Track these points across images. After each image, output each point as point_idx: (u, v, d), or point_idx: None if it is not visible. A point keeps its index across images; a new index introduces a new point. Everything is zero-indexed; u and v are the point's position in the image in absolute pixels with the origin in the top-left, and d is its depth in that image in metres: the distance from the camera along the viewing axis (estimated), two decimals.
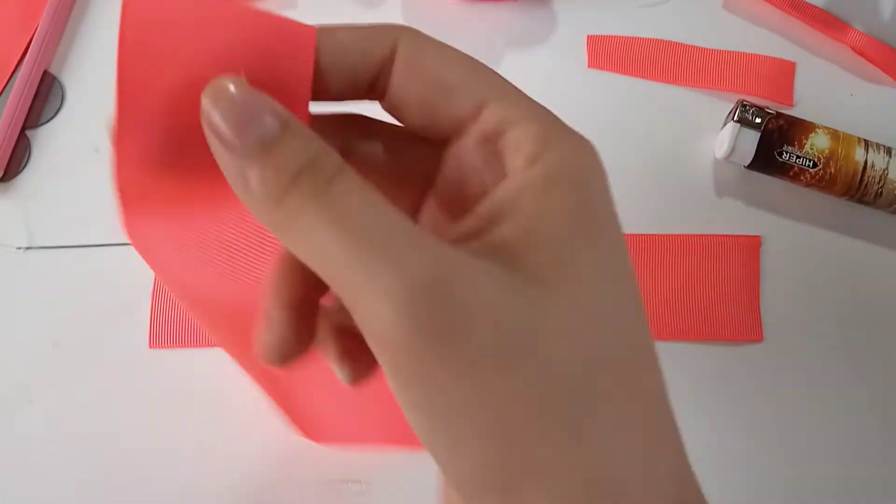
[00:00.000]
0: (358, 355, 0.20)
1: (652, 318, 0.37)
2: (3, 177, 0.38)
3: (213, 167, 0.17)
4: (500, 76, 0.19)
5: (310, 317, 0.20)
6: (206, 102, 0.17)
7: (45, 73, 0.40)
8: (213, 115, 0.17)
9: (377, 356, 0.16)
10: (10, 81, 0.39)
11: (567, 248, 0.17)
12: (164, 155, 0.18)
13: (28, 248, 0.37)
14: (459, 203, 0.20)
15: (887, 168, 0.37)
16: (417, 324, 0.15)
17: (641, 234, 0.38)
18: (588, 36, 0.41)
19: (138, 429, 0.35)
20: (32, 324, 0.36)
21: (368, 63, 0.19)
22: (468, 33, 0.41)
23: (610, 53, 0.41)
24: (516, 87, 0.19)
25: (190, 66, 0.17)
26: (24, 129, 0.39)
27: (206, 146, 0.17)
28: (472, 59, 0.19)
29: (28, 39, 0.40)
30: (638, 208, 0.38)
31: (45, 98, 0.40)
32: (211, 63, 0.17)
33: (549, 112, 0.19)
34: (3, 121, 0.38)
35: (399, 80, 0.19)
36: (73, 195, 0.38)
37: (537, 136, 0.18)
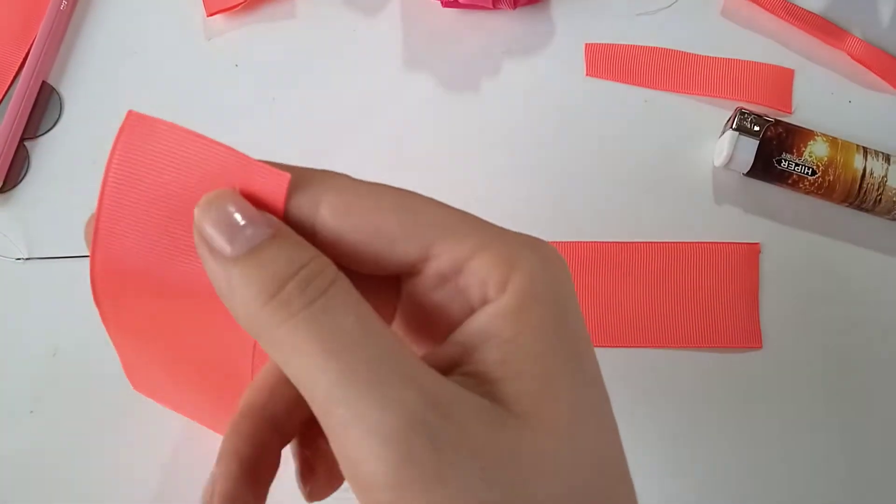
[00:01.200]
0: (323, 473, 0.20)
1: (651, 325, 0.37)
2: (1, 188, 0.38)
3: (194, 281, 0.18)
4: (437, 207, 0.18)
5: (267, 470, 0.19)
6: (197, 212, 0.17)
7: (44, 83, 0.40)
8: (203, 223, 0.17)
9: (355, 490, 0.16)
10: (9, 92, 0.40)
11: (546, 376, 0.17)
12: (142, 264, 0.19)
13: (28, 259, 0.37)
14: (427, 332, 0.19)
15: (886, 175, 0.37)
16: (405, 464, 0.15)
17: (640, 242, 0.38)
18: (586, 44, 0.41)
19: (139, 438, 0.35)
20: (32, 334, 0.37)
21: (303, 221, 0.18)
22: (466, 42, 0.41)
23: (608, 61, 0.41)
24: (460, 214, 0.18)
25: (172, 193, 0.18)
26: (22, 139, 0.39)
27: (181, 262, 0.18)
28: (405, 196, 0.18)
29: (26, 50, 0.40)
30: (636, 216, 0.38)
31: (43, 109, 0.40)
32: (194, 190, 0.18)
33: (502, 231, 0.18)
34: (2, 132, 0.38)
35: (328, 231, 0.18)
36: (73, 205, 0.38)
37: (499, 263, 0.17)
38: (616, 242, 0.38)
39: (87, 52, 0.41)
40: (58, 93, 0.40)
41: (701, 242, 0.38)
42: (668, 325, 0.37)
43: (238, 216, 0.17)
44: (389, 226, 0.18)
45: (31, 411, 0.36)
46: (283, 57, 0.41)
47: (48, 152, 0.39)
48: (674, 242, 0.38)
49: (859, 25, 0.41)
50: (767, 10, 0.41)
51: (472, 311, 0.18)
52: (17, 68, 0.40)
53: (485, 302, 0.17)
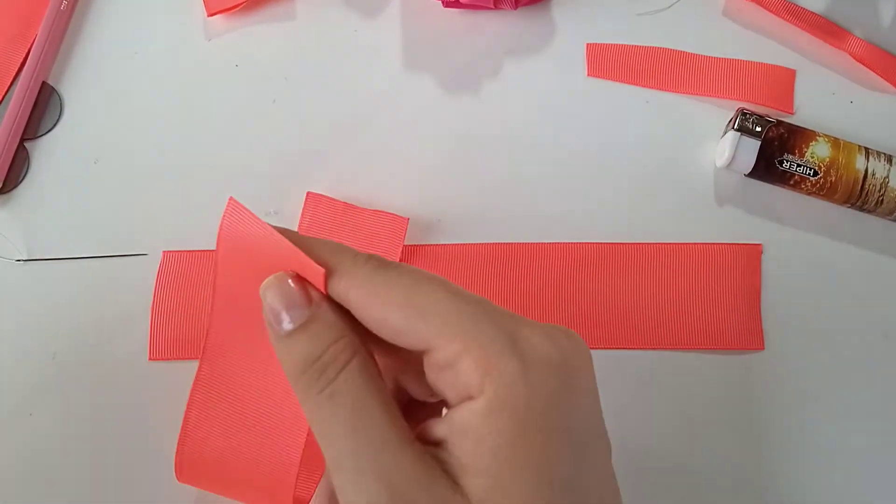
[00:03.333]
0: None
1: (652, 327, 0.37)
2: (1, 188, 0.38)
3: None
4: (440, 302, 0.21)
5: None
6: (263, 287, 0.22)
7: (44, 84, 0.40)
8: (266, 297, 0.21)
9: None
10: (9, 93, 0.39)
11: (502, 478, 0.19)
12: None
13: (27, 261, 0.37)
14: (443, 396, 0.22)
15: (888, 176, 0.37)
16: None
17: (641, 243, 0.38)
18: (587, 44, 0.41)
19: (138, 441, 0.35)
20: (31, 336, 0.36)
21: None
22: (467, 42, 0.41)
23: (609, 62, 0.41)
24: (458, 310, 0.21)
25: (249, 274, 0.22)
26: (22, 140, 0.39)
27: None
28: (415, 290, 0.21)
29: (26, 50, 0.40)
30: (638, 217, 0.38)
31: (43, 109, 0.39)
32: (261, 271, 0.22)
33: (495, 332, 0.20)
34: (2, 132, 0.38)
35: (356, 313, 0.22)
36: (73, 207, 0.38)
37: (477, 367, 0.20)
38: (617, 243, 0.38)
39: (87, 52, 0.41)
40: (58, 93, 0.40)
41: (702, 243, 0.38)
42: (670, 326, 0.37)
43: (290, 295, 0.21)
44: (396, 320, 0.21)
45: (31, 413, 0.35)
46: (283, 57, 0.41)
47: (48, 153, 0.39)
48: (675, 243, 0.38)
49: (861, 25, 0.41)
50: (769, 10, 0.41)
51: (462, 400, 0.20)
52: (17, 69, 0.40)
53: (469, 398, 0.20)
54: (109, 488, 0.35)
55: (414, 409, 0.25)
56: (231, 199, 0.22)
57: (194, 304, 0.37)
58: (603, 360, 0.37)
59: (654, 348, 0.37)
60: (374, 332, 0.21)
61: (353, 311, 0.21)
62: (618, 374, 0.36)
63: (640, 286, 0.37)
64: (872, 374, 0.37)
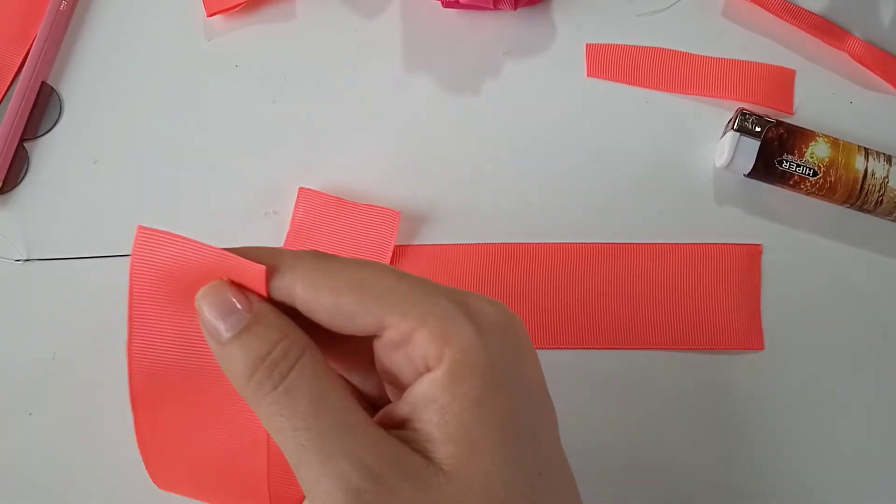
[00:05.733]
0: None
1: (652, 327, 0.37)
2: (1, 188, 0.38)
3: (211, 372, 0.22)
4: (390, 281, 0.21)
5: None
6: (196, 302, 0.21)
7: (43, 84, 0.40)
8: (202, 310, 0.21)
9: None
10: (8, 93, 0.39)
11: (471, 441, 0.20)
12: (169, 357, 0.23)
13: (27, 261, 0.37)
14: (396, 382, 0.22)
15: (888, 176, 0.37)
16: None
17: (641, 244, 0.38)
18: (587, 44, 0.41)
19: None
20: (31, 336, 0.36)
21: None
22: (466, 43, 0.41)
23: (609, 62, 0.41)
24: (409, 287, 0.21)
25: (179, 293, 0.22)
26: (22, 140, 0.39)
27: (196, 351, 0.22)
28: (363, 273, 0.21)
29: (25, 50, 0.40)
30: (637, 217, 0.38)
31: (43, 109, 0.39)
32: (196, 287, 0.21)
33: (447, 303, 0.21)
34: (1, 132, 0.38)
35: (304, 307, 0.21)
36: (72, 207, 0.38)
37: (434, 337, 0.20)
38: (616, 244, 0.38)
39: (87, 52, 0.41)
40: (57, 93, 0.40)
41: (702, 244, 0.38)
42: (669, 326, 0.37)
43: (227, 303, 0.21)
44: (347, 304, 0.21)
45: (30, 413, 0.35)
46: (283, 57, 0.41)
47: (48, 153, 0.39)
48: (674, 244, 0.38)
49: (860, 26, 0.41)
50: (768, 10, 0.41)
51: (420, 374, 0.20)
52: (16, 69, 0.40)
53: (427, 369, 0.20)
54: (109, 488, 0.35)
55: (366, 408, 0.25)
56: (139, 227, 0.21)
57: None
58: (603, 361, 0.37)
59: (653, 348, 0.37)
60: (325, 323, 0.21)
61: (301, 306, 0.21)
62: (617, 374, 0.37)
63: (640, 286, 0.37)
64: (872, 374, 0.37)
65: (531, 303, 0.37)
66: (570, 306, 0.37)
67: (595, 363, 0.37)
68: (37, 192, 0.39)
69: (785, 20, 0.41)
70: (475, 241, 0.38)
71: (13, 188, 0.38)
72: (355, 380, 0.25)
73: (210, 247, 0.21)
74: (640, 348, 0.37)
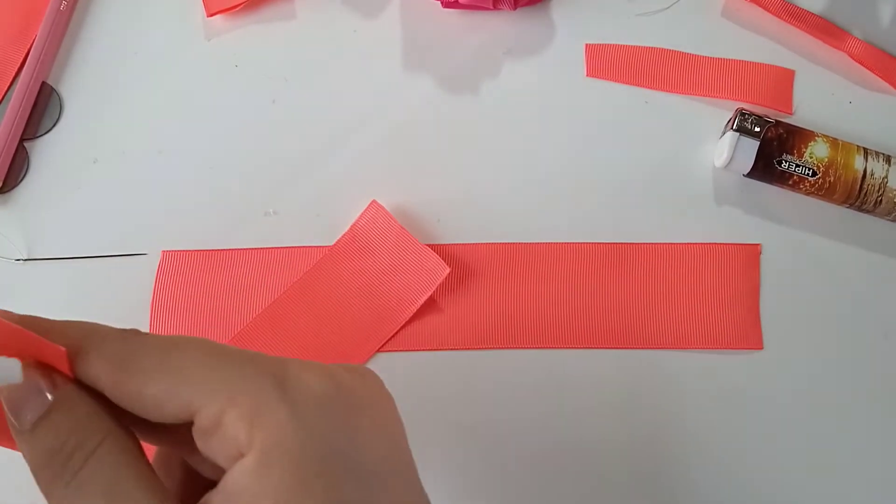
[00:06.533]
0: None
1: (651, 326, 0.37)
2: (1, 188, 0.38)
3: None
4: (199, 359, 0.19)
5: None
6: None
7: (44, 84, 0.40)
8: (3, 400, 0.19)
9: None
10: (8, 93, 0.39)
11: None
12: None
13: (27, 260, 0.37)
14: (214, 471, 0.20)
15: (886, 176, 0.37)
16: None
17: (640, 244, 0.38)
18: (586, 45, 0.41)
19: None
20: None
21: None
22: (466, 43, 0.41)
23: (608, 62, 0.41)
24: (218, 363, 0.19)
25: None
26: (22, 140, 0.39)
27: None
28: (170, 354, 0.19)
29: (26, 50, 0.40)
30: (637, 217, 0.38)
31: (43, 109, 0.40)
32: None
33: (258, 378, 0.19)
34: (2, 132, 0.38)
35: (111, 394, 0.19)
36: (72, 206, 0.38)
37: (244, 417, 0.18)
38: (616, 243, 0.38)
39: (87, 52, 0.41)
40: (57, 93, 0.40)
41: (701, 243, 0.38)
42: (669, 326, 0.37)
43: (20, 391, 0.18)
44: (153, 389, 0.19)
45: None
46: (284, 58, 0.41)
47: (48, 153, 0.39)
48: (674, 243, 0.38)
49: (860, 26, 0.41)
50: (768, 10, 0.41)
51: (234, 460, 0.18)
52: (16, 69, 0.40)
53: (240, 455, 0.18)
54: None
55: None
56: None
57: (194, 304, 0.37)
58: (602, 361, 0.37)
59: (652, 348, 0.37)
60: (134, 411, 0.19)
61: (108, 394, 0.19)
62: (617, 375, 0.37)
63: (639, 286, 0.37)
64: (871, 375, 0.37)
65: (531, 303, 0.37)
66: (569, 306, 0.37)
67: (595, 363, 0.37)
68: (37, 191, 0.39)
69: (784, 20, 0.41)
70: (474, 242, 0.38)
71: (13, 188, 0.38)
72: (196, 461, 0.23)
73: (13, 326, 0.19)
74: (639, 348, 0.37)
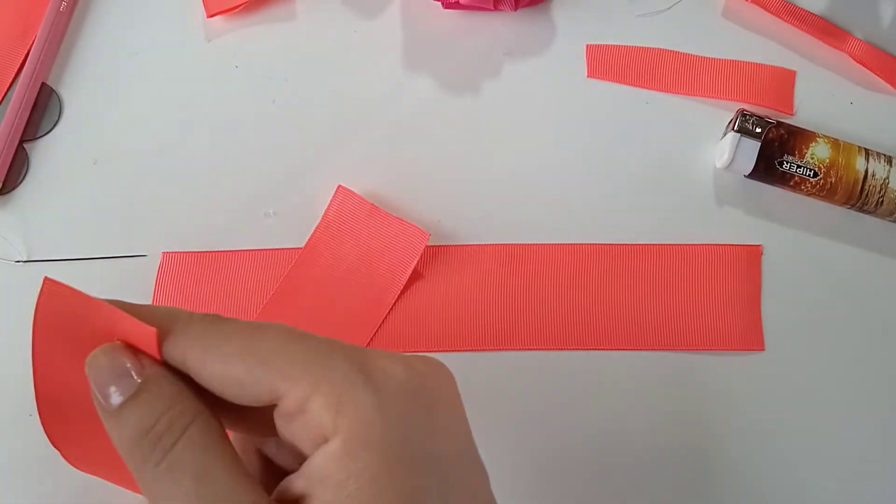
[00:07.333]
0: None
1: (652, 328, 0.37)
2: (1, 190, 0.38)
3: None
4: (283, 345, 0.19)
5: None
6: (86, 364, 0.20)
7: (43, 85, 0.40)
8: (90, 377, 0.20)
9: None
10: (8, 94, 0.39)
11: None
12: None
13: (27, 262, 0.37)
14: (297, 451, 0.20)
15: (888, 177, 0.37)
16: None
17: (641, 245, 0.38)
18: (587, 45, 0.41)
19: None
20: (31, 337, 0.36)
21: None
22: (467, 43, 0.41)
23: (609, 63, 0.41)
24: (303, 350, 0.19)
25: (78, 346, 0.21)
26: (21, 141, 0.39)
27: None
28: (255, 338, 0.20)
29: (25, 51, 0.40)
30: (638, 218, 0.38)
31: (42, 110, 0.39)
32: (90, 343, 0.20)
33: (343, 365, 0.19)
34: (1, 133, 0.38)
35: (196, 375, 0.20)
36: (72, 208, 0.38)
37: (329, 406, 0.18)
38: (617, 244, 0.38)
39: (87, 52, 0.41)
40: (57, 94, 0.40)
41: (702, 244, 0.38)
42: (670, 327, 0.37)
43: (116, 368, 0.19)
44: (237, 373, 0.19)
45: (30, 414, 0.35)
46: (284, 58, 0.41)
47: (48, 154, 0.39)
48: (675, 245, 0.38)
49: (861, 27, 0.41)
50: (768, 11, 0.41)
51: (318, 445, 0.19)
52: (16, 69, 0.40)
53: (324, 441, 0.19)
54: (109, 488, 0.35)
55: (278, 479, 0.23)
56: (46, 278, 0.20)
57: (194, 305, 0.37)
58: (603, 362, 0.37)
59: (654, 349, 0.37)
60: (218, 392, 0.20)
61: (193, 374, 0.20)
62: (618, 375, 0.36)
63: (640, 287, 0.37)
64: (872, 375, 0.37)
65: (531, 304, 0.37)
66: (571, 307, 0.37)
67: (596, 364, 0.37)
68: (37, 192, 0.38)
69: (785, 21, 0.41)
70: (474, 243, 0.38)
71: (13, 188, 0.38)
72: (270, 448, 0.23)
73: (106, 305, 0.20)
74: (640, 349, 0.37)
